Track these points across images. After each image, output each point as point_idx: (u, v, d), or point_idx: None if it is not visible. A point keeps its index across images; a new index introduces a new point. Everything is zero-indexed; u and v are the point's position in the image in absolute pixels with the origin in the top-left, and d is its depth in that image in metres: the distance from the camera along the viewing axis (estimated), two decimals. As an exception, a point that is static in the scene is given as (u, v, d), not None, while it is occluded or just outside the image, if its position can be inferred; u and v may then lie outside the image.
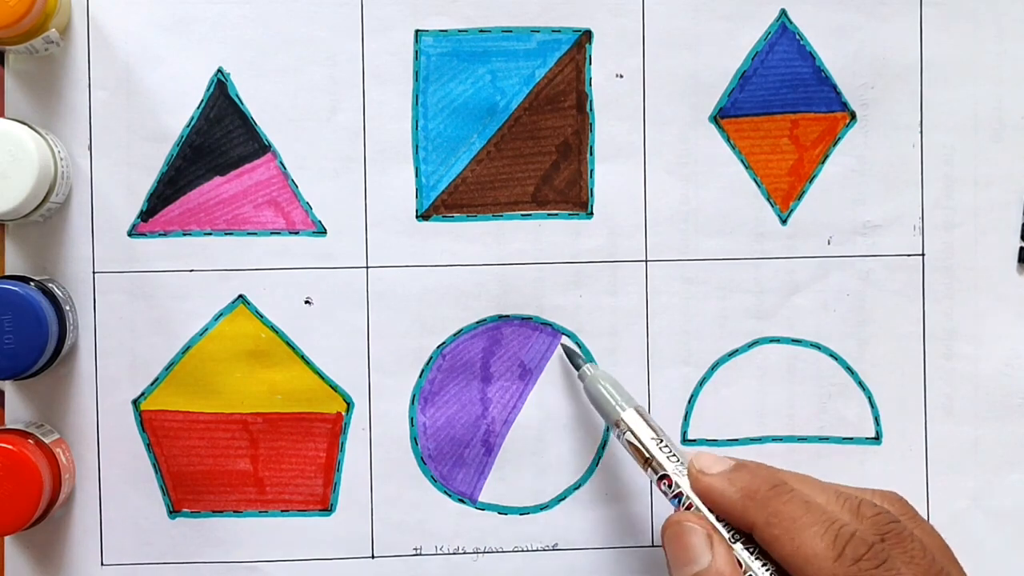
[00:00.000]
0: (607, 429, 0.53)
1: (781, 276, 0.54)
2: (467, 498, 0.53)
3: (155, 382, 0.52)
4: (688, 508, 0.45)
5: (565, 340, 0.53)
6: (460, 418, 0.53)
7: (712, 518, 0.44)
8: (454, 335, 0.53)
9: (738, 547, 0.43)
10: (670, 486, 0.46)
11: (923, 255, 0.54)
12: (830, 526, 0.42)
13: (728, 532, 0.44)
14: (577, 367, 0.52)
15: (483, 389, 0.53)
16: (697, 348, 0.53)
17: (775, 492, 0.43)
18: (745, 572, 0.43)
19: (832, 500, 0.44)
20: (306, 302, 0.52)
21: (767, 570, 0.43)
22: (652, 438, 0.47)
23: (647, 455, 0.47)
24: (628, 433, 0.48)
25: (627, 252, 0.53)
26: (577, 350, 0.52)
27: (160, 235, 0.52)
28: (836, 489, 0.45)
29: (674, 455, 0.47)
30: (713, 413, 0.53)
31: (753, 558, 0.43)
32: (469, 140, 0.53)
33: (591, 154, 0.53)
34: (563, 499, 0.53)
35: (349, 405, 0.53)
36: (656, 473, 0.47)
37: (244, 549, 0.52)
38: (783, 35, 0.53)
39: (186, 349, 0.52)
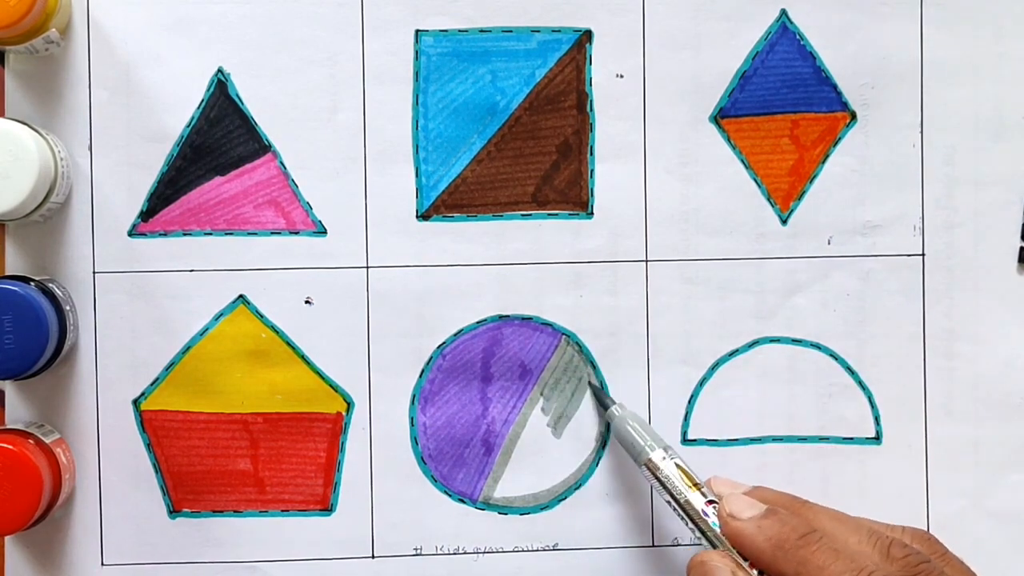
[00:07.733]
0: (607, 429, 0.53)
1: (781, 276, 0.54)
2: (467, 498, 0.53)
3: (155, 382, 0.52)
4: (714, 546, 0.46)
5: (592, 379, 0.53)
6: (460, 418, 0.53)
7: (739, 558, 0.45)
8: (454, 335, 0.53)
9: None
10: (698, 526, 0.47)
11: (923, 255, 0.54)
12: (858, 574, 0.42)
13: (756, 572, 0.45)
14: (605, 407, 0.52)
15: (483, 389, 0.53)
16: (697, 348, 0.53)
17: (804, 542, 0.44)
18: None
19: (864, 540, 0.44)
20: (306, 302, 0.52)
21: None
22: (681, 479, 0.48)
23: (675, 494, 0.48)
24: (657, 473, 0.49)
25: (627, 252, 0.53)
26: (602, 391, 0.53)
27: (160, 235, 0.52)
28: (868, 527, 0.45)
29: (703, 494, 0.48)
30: (713, 413, 0.53)
31: None
32: (469, 140, 0.53)
33: (591, 154, 0.53)
34: (563, 499, 0.53)
35: (349, 405, 0.53)
36: (686, 513, 0.48)
37: (244, 549, 0.52)
38: (783, 35, 0.53)
39: (186, 349, 0.52)
